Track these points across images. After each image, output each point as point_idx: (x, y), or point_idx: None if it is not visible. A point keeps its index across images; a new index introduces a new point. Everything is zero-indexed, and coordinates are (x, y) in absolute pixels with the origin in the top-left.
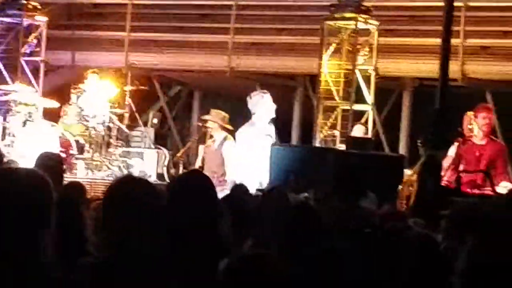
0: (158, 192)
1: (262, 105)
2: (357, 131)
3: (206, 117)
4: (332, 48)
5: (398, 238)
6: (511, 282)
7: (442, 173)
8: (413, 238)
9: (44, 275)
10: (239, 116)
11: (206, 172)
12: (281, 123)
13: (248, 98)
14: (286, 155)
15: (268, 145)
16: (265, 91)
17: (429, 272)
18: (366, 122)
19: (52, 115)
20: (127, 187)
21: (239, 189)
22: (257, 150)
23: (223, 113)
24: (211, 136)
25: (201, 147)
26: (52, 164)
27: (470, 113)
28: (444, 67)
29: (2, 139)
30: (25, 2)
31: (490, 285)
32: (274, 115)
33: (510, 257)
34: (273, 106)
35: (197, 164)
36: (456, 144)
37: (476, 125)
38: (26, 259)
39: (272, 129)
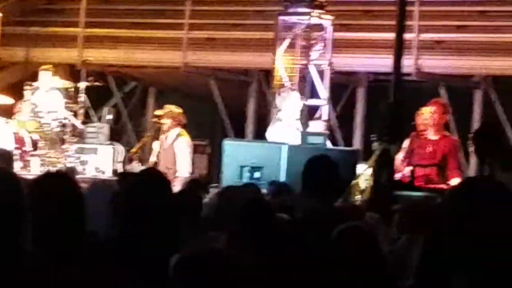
0: (78, 188)
1: (288, 101)
2: (313, 126)
3: (160, 112)
4: (286, 43)
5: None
6: (462, 277)
7: (396, 167)
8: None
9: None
10: (193, 111)
11: (161, 168)
12: (236, 118)
13: (276, 95)
14: (240, 150)
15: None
16: (294, 88)
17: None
18: (321, 117)
19: (6, 112)
20: (46, 184)
21: (194, 185)
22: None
23: (178, 109)
24: (165, 132)
25: (155, 143)
26: (3, 160)
27: (422, 109)
28: (398, 61)
29: None
30: None
31: (442, 280)
32: (299, 113)
33: (459, 252)
34: (300, 103)
35: (152, 160)
36: (410, 138)
37: (429, 120)
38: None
39: (299, 125)
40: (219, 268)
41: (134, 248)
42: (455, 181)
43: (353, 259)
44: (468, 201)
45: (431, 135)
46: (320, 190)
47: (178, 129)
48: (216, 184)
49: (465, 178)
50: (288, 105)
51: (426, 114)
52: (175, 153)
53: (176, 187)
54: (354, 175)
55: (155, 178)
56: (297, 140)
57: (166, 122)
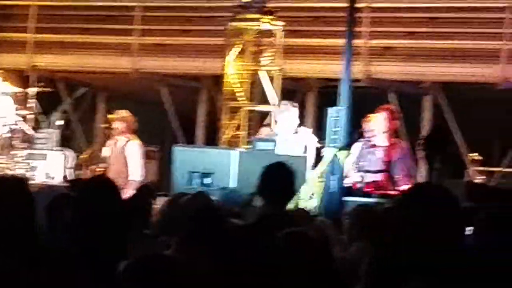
0: (27, 193)
1: (287, 116)
2: (264, 132)
3: (111, 117)
4: (236, 49)
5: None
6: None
7: (346, 173)
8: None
9: None
10: (143, 117)
11: (112, 173)
12: (186, 124)
13: (275, 109)
14: (190, 156)
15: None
16: (296, 104)
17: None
18: (271, 123)
19: None
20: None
21: (145, 190)
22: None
23: (129, 114)
24: (116, 137)
25: (106, 148)
26: None
27: (372, 115)
28: (347, 67)
29: None
30: None
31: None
32: (295, 131)
33: (404, 258)
34: (297, 121)
35: (102, 165)
36: (359, 144)
37: (378, 126)
38: None
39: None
40: (167, 273)
41: (85, 253)
42: (405, 187)
43: (299, 264)
44: (416, 208)
45: (381, 141)
46: (274, 196)
47: (129, 134)
48: (165, 193)
49: (413, 185)
50: (285, 120)
51: (374, 120)
52: (126, 157)
53: (129, 191)
54: (304, 181)
55: (104, 185)
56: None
57: (117, 127)
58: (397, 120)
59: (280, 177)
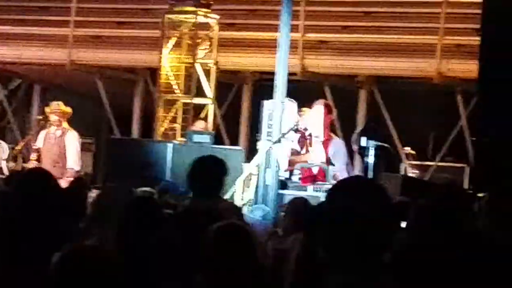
0: None
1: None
2: (199, 125)
3: (47, 109)
4: (172, 41)
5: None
6: (337, 276)
7: (282, 166)
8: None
9: None
10: (78, 109)
11: (46, 164)
12: (122, 116)
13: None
14: (126, 149)
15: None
16: (294, 100)
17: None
18: (207, 115)
19: None
20: None
21: (79, 183)
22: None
23: (64, 106)
24: (51, 129)
25: (40, 140)
26: None
27: (306, 109)
28: (282, 61)
29: None
30: None
31: (318, 279)
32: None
33: (334, 252)
34: (295, 117)
35: (32, 157)
36: (295, 137)
37: (314, 120)
38: None
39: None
40: (99, 265)
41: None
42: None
43: (229, 256)
44: (344, 201)
45: (317, 134)
46: (201, 189)
47: (65, 125)
48: (100, 185)
49: (343, 179)
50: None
51: (309, 114)
52: (63, 147)
53: (67, 181)
54: (239, 174)
55: (40, 178)
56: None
57: (53, 118)
58: (333, 114)
59: (207, 170)
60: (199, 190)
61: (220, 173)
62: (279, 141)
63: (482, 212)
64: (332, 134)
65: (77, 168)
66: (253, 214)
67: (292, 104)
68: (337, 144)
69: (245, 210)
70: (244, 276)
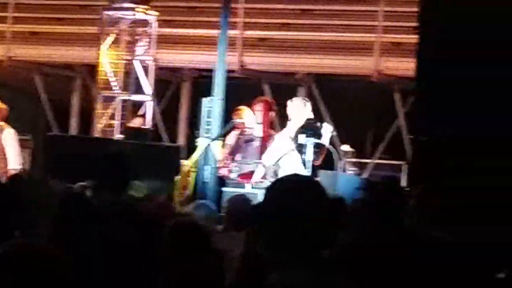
0: None
1: (302, 113)
2: (138, 122)
3: None
4: (111, 38)
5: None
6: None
7: (221, 163)
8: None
9: None
10: (16, 105)
11: None
12: (60, 113)
13: (289, 102)
14: (64, 145)
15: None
16: (307, 99)
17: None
18: (145, 113)
19: None
20: None
21: (17, 179)
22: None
23: (1, 103)
24: None
25: None
26: None
27: (243, 107)
28: (221, 58)
29: None
30: None
31: (259, 277)
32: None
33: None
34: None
35: None
36: (235, 134)
37: (254, 117)
38: None
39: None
40: (35, 263)
41: None
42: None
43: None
44: (280, 199)
45: (256, 132)
46: (103, 185)
47: (1, 123)
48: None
49: (279, 177)
50: (299, 116)
51: (249, 112)
52: (2, 145)
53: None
54: (176, 171)
55: None
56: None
57: None
58: (273, 112)
59: (110, 167)
60: (101, 187)
61: (121, 170)
62: (217, 138)
63: (416, 208)
64: (273, 131)
65: (19, 167)
66: (198, 211)
67: (308, 104)
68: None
69: (190, 208)
70: (202, 272)
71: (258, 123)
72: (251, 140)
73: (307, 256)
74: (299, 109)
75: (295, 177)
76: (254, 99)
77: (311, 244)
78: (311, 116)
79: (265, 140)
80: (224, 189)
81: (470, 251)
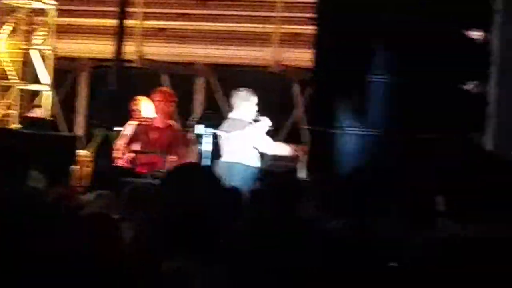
0: None
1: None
2: (36, 112)
3: None
4: (8, 27)
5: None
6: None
7: (117, 153)
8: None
9: None
10: None
11: None
12: None
13: (234, 92)
14: None
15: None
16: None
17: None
18: (44, 102)
19: None
20: None
21: None
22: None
23: None
24: None
25: None
26: None
27: (141, 97)
28: (119, 48)
29: None
30: None
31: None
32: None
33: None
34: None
35: None
36: (132, 124)
37: (154, 108)
38: None
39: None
40: None
41: None
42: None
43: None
44: (176, 188)
45: (157, 123)
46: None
47: None
48: None
49: (176, 166)
50: (245, 108)
51: (148, 102)
52: None
53: None
54: (73, 161)
55: None
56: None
57: None
58: (172, 103)
59: (5, 157)
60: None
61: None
62: (114, 127)
63: (312, 199)
64: (171, 122)
65: None
66: (97, 201)
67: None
68: (175, 132)
69: (89, 198)
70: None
71: (157, 114)
72: (150, 130)
73: (203, 245)
74: (246, 98)
75: (191, 167)
76: (153, 90)
77: (206, 233)
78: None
79: (164, 131)
80: (122, 179)
81: (363, 241)
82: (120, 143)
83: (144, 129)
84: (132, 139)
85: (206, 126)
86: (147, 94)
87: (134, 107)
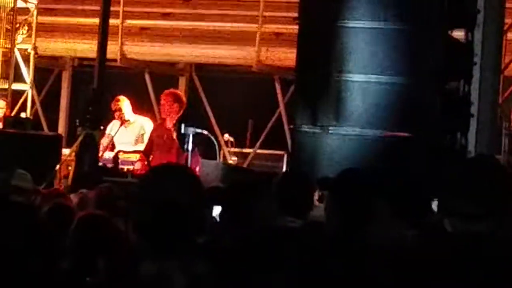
0: None
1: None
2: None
3: None
4: None
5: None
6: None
7: (101, 153)
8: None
9: None
10: None
11: None
12: None
13: None
14: None
15: None
16: None
17: None
18: (26, 101)
19: None
20: None
21: None
22: None
23: None
24: None
25: None
26: None
27: (121, 97)
28: (102, 47)
29: None
30: None
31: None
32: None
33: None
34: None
35: None
36: (116, 123)
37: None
38: None
39: None
40: None
41: None
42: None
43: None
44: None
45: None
46: None
47: None
48: None
49: (154, 166)
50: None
51: (125, 102)
52: None
53: None
54: (57, 160)
55: None
56: None
57: None
58: (179, 104)
59: None
60: None
61: None
62: (97, 127)
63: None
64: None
65: None
66: None
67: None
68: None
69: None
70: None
71: (165, 115)
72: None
73: (181, 244)
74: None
75: (169, 166)
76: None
77: (185, 232)
78: None
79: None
80: (106, 178)
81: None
82: (103, 143)
83: (126, 127)
84: (116, 137)
85: (187, 126)
86: (128, 94)
87: (116, 107)
